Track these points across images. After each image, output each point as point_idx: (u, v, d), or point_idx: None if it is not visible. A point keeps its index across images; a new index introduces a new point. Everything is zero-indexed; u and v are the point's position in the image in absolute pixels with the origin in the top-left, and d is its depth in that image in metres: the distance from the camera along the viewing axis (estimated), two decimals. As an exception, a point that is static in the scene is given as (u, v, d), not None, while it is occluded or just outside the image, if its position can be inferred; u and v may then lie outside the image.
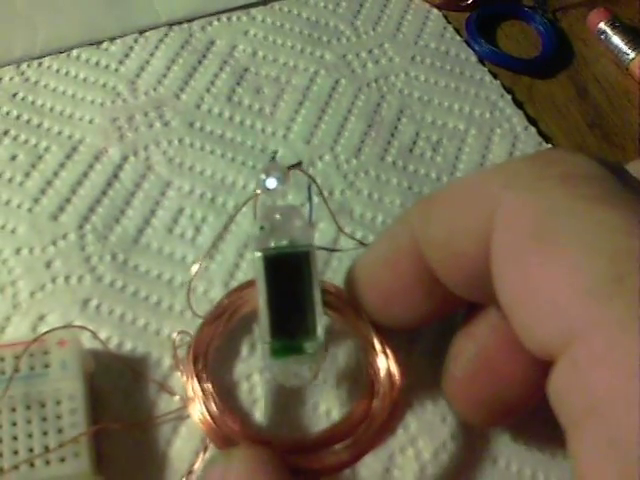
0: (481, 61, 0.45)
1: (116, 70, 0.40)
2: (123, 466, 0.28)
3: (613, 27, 0.47)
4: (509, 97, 0.43)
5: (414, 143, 0.40)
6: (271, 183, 0.29)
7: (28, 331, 0.31)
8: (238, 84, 0.41)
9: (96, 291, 0.32)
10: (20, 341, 0.28)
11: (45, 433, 0.26)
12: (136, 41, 0.42)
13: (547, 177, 0.21)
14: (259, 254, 0.27)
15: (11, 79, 0.39)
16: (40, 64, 0.40)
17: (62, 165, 0.36)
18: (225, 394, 0.30)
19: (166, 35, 0.42)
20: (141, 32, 0.42)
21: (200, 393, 0.27)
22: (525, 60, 0.46)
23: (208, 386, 0.28)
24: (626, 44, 0.46)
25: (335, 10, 0.46)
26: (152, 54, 0.41)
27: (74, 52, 0.41)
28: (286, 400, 0.31)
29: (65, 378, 0.27)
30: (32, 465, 0.26)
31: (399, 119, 0.41)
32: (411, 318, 0.28)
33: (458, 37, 0.46)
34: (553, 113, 0.43)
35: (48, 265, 0.33)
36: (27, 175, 0.35)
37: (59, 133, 0.37)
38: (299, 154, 0.38)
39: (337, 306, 0.30)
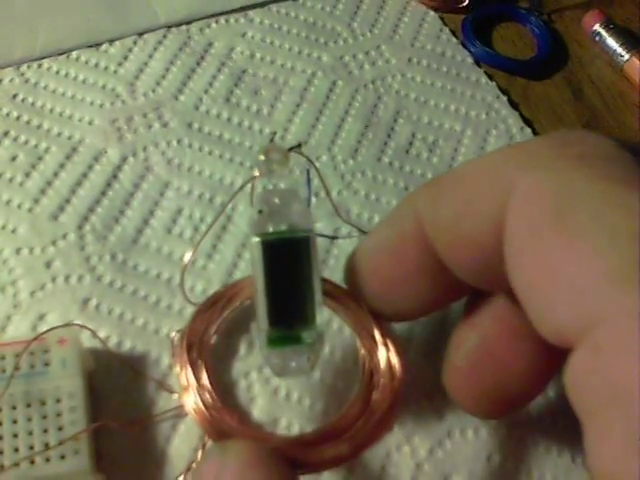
0: (477, 62, 0.45)
1: (115, 72, 0.41)
2: (122, 463, 0.28)
3: (608, 29, 0.47)
4: (505, 98, 0.43)
5: (410, 144, 0.40)
6: (270, 164, 0.28)
7: (28, 330, 0.31)
8: (236, 85, 0.41)
9: (95, 290, 0.33)
10: (20, 340, 0.28)
11: (45, 431, 0.27)
12: (135, 43, 0.42)
13: (565, 158, 0.20)
14: (257, 239, 0.25)
15: (11, 80, 0.39)
16: (40, 66, 0.40)
17: (62, 166, 0.36)
18: (223, 392, 0.30)
19: (165, 37, 0.43)
20: (140, 34, 0.42)
21: (194, 382, 0.26)
22: (521, 61, 0.46)
23: (203, 375, 0.27)
24: (621, 46, 0.46)
25: (332, 12, 0.46)
26: (151, 56, 0.42)
27: (73, 54, 0.41)
28: (285, 393, 0.31)
29: (65, 376, 0.28)
30: (32, 462, 0.26)
31: (396, 120, 0.41)
32: (413, 306, 0.27)
33: (454, 39, 0.46)
34: (548, 114, 0.44)
35: (48, 265, 0.33)
36: (27, 175, 0.36)
37: (59, 134, 0.38)
38: (296, 155, 0.38)
39: (337, 296, 0.29)
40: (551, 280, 0.19)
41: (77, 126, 0.38)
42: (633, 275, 0.17)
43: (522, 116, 0.43)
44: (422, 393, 0.31)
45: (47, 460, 0.26)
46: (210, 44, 0.43)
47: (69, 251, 0.33)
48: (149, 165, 0.37)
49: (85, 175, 0.36)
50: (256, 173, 0.28)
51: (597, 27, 0.48)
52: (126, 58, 0.41)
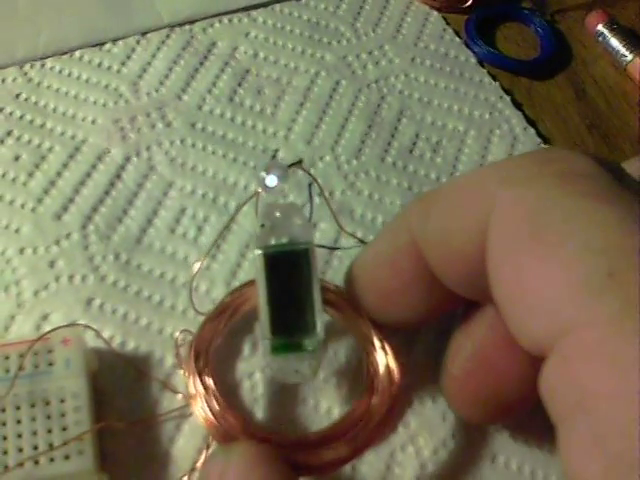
0: (480, 63, 0.45)
1: (118, 71, 0.41)
2: (126, 463, 0.28)
3: (611, 29, 0.47)
4: (508, 98, 0.43)
5: (414, 144, 0.40)
6: (271, 181, 0.29)
7: (32, 330, 0.31)
8: (239, 85, 0.41)
9: (99, 290, 0.32)
10: (24, 340, 0.28)
11: (49, 431, 0.27)
12: (138, 42, 0.42)
13: (543, 174, 0.21)
14: (259, 252, 0.27)
15: (14, 80, 0.39)
16: (43, 65, 0.40)
17: (65, 165, 0.36)
18: (227, 392, 0.30)
19: (168, 37, 0.43)
20: (143, 34, 0.42)
21: (202, 390, 0.28)
22: (524, 62, 0.46)
23: (210, 383, 0.28)
24: (624, 46, 0.46)
25: (335, 12, 0.46)
26: (154, 55, 0.42)
27: (77, 53, 0.41)
28: (287, 397, 0.31)
29: (69, 376, 0.28)
30: (36, 462, 0.26)
31: (399, 120, 0.41)
32: (410, 316, 0.28)
33: (457, 39, 0.46)
34: (552, 114, 0.44)
35: (52, 264, 0.33)
36: (30, 175, 0.36)
37: (62, 134, 0.38)
38: (300, 155, 0.38)
39: (337, 303, 0.30)
40: (526, 292, 0.20)
41: (80, 126, 0.38)
42: (600, 286, 0.18)
43: (525, 116, 0.43)
44: (426, 393, 0.31)
45: (51, 460, 0.26)
46: (213, 44, 0.43)
47: (73, 251, 0.33)
48: (152, 165, 0.37)
49: (88, 175, 0.36)
50: (259, 189, 0.29)
51: (600, 27, 0.48)
52: (129, 58, 0.41)
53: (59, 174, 0.36)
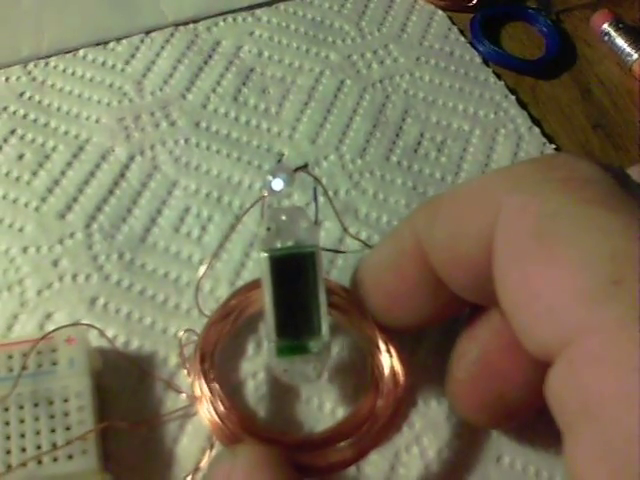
0: (485, 62, 0.45)
1: (122, 70, 0.40)
2: (130, 463, 0.28)
3: (616, 28, 0.47)
4: (513, 98, 0.43)
5: (419, 143, 0.40)
6: (277, 185, 0.29)
7: (35, 329, 0.31)
8: (244, 84, 0.41)
9: (103, 290, 0.32)
10: (28, 339, 0.28)
11: (53, 430, 0.26)
12: (142, 41, 0.42)
13: (549, 181, 0.21)
14: (265, 255, 0.27)
15: (18, 79, 0.39)
16: (47, 64, 0.40)
17: (69, 164, 0.36)
18: (231, 393, 0.30)
19: (172, 35, 0.42)
20: (147, 32, 0.42)
21: (207, 392, 0.28)
22: (529, 61, 0.46)
23: (215, 385, 0.28)
24: (629, 45, 0.46)
25: (340, 11, 0.46)
26: (158, 54, 0.41)
27: (80, 52, 0.41)
28: (291, 398, 0.31)
29: (73, 375, 0.27)
30: (40, 462, 0.26)
31: (404, 119, 0.41)
32: (415, 320, 0.28)
33: (462, 38, 0.46)
34: (557, 114, 0.44)
35: (55, 264, 0.33)
36: (34, 174, 0.36)
37: (66, 133, 0.37)
38: (304, 154, 0.38)
39: (342, 306, 0.30)
40: (532, 298, 0.20)
41: (84, 125, 0.38)
42: (606, 293, 0.18)
43: (530, 116, 0.43)
44: (431, 394, 0.31)
45: (55, 460, 0.26)
46: (218, 43, 0.43)
47: (76, 250, 0.33)
48: (156, 164, 0.37)
49: (92, 174, 0.36)
50: (265, 193, 0.29)
51: (606, 26, 0.47)
52: (133, 56, 0.41)
53: (63, 173, 0.36)
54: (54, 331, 0.28)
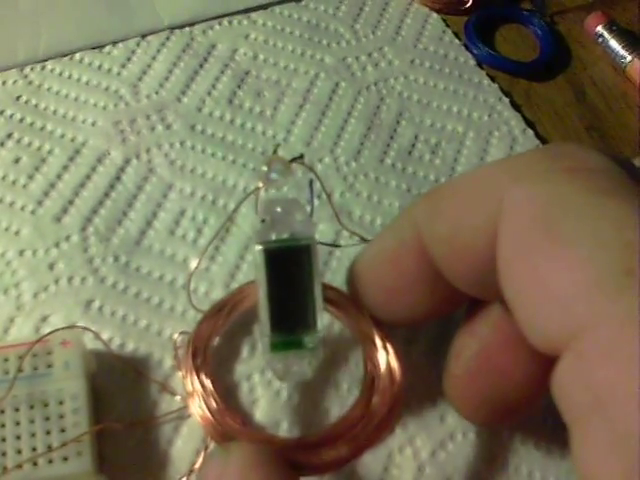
0: (479, 64, 0.45)
1: (118, 74, 0.41)
2: (125, 465, 0.28)
3: (611, 31, 0.47)
4: (507, 100, 0.43)
5: (413, 146, 0.40)
6: (273, 175, 0.28)
7: (31, 332, 0.31)
8: (239, 87, 0.41)
9: (99, 292, 0.33)
10: (23, 342, 0.28)
11: (48, 432, 0.27)
12: (138, 45, 0.42)
13: (555, 170, 0.21)
14: (259, 247, 0.26)
15: (14, 82, 0.40)
16: (43, 67, 0.40)
17: (65, 168, 0.36)
18: (225, 394, 0.30)
19: (168, 39, 0.43)
20: (143, 36, 0.42)
21: (199, 388, 0.27)
22: (523, 63, 0.46)
23: (207, 381, 0.28)
24: (623, 47, 0.46)
25: (335, 14, 0.46)
26: (154, 58, 0.42)
27: (77, 56, 0.41)
28: (286, 398, 0.31)
29: (68, 378, 0.28)
30: (35, 464, 0.26)
31: (398, 122, 0.41)
32: (412, 314, 0.28)
33: (457, 41, 0.46)
34: (551, 116, 0.44)
35: (51, 267, 0.33)
36: (30, 177, 0.36)
37: (62, 136, 0.38)
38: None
39: (338, 301, 0.30)
40: (539, 289, 0.20)
41: (80, 128, 0.38)
42: (616, 284, 0.18)
43: (524, 118, 0.43)
44: (424, 394, 0.31)
45: (50, 462, 0.26)
46: (213, 46, 0.43)
47: (72, 253, 0.34)
48: (152, 167, 0.37)
49: (88, 177, 0.36)
50: (259, 184, 0.29)
51: (600, 29, 0.48)
52: (129, 60, 0.41)
53: (59, 176, 0.36)
54: (49, 334, 0.28)
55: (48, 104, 0.39)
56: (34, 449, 0.26)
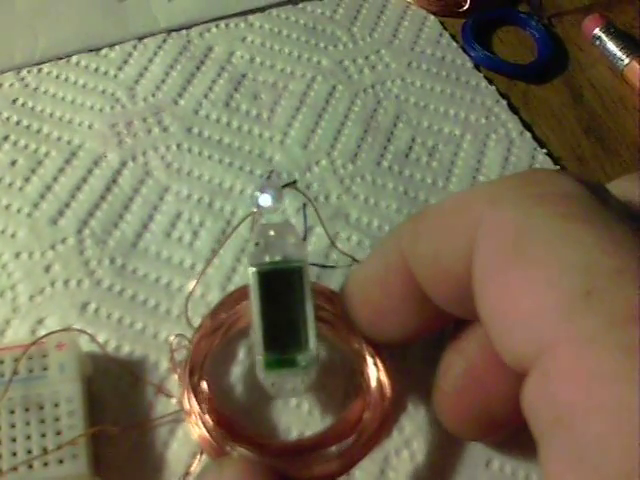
0: (477, 67, 0.45)
1: (115, 76, 0.41)
2: (120, 468, 0.28)
3: (608, 33, 0.47)
4: (504, 102, 0.43)
5: (410, 148, 0.40)
6: (265, 201, 0.29)
7: (27, 334, 0.31)
8: (236, 90, 0.41)
9: (94, 295, 0.33)
10: (19, 344, 0.28)
11: (43, 435, 0.27)
12: (135, 48, 0.42)
13: (528, 196, 0.22)
14: (253, 269, 0.27)
15: (11, 85, 0.40)
16: (40, 70, 0.40)
17: (61, 170, 0.36)
18: (221, 398, 0.30)
19: (164, 42, 0.43)
20: (140, 39, 0.42)
21: (196, 407, 0.28)
22: (520, 66, 0.46)
23: (204, 396, 0.28)
24: (621, 50, 0.46)
25: (332, 17, 0.46)
26: (151, 60, 0.42)
27: (74, 58, 0.41)
28: (280, 405, 0.31)
29: (63, 381, 0.28)
30: (30, 467, 0.26)
31: (395, 124, 0.41)
32: (402, 334, 0.28)
33: (454, 43, 0.46)
34: (548, 118, 0.44)
35: (47, 269, 0.33)
36: (27, 180, 0.36)
37: (58, 138, 0.38)
38: (296, 159, 0.39)
39: (329, 319, 0.30)
40: (507, 309, 0.20)
41: (77, 130, 0.38)
42: (578, 305, 0.18)
43: (522, 120, 0.43)
44: (421, 398, 0.31)
45: (45, 464, 0.26)
46: (210, 49, 0.43)
47: (68, 255, 0.34)
48: (148, 169, 0.37)
49: (85, 180, 0.36)
50: (254, 209, 0.30)
51: (597, 31, 0.48)
52: (126, 63, 0.41)
53: (55, 179, 0.36)
54: (45, 336, 0.28)
55: (45, 107, 0.39)
56: (29, 452, 0.26)
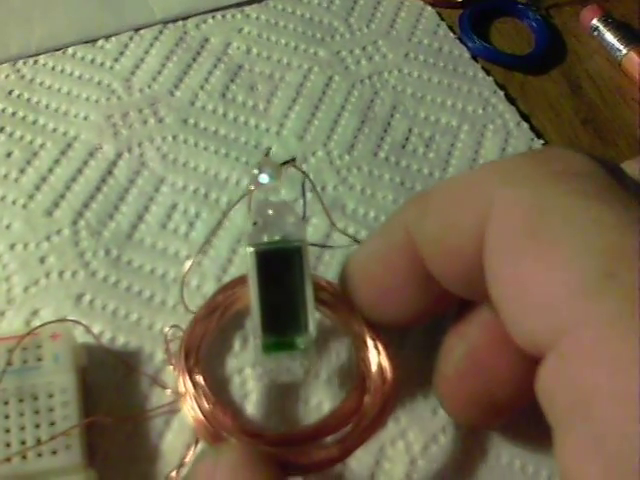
0: (474, 58, 0.45)
1: (111, 68, 0.41)
2: (115, 459, 0.28)
3: (606, 23, 0.47)
4: (502, 93, 0.43)
5: (407, 139, 0.40)
6: (264, 179, 0.29)
7: (22, 325, 0.31)
8: (232, 81, 0.41)
9: (90, 286, 0.32)
10: (13, 335, 0.28)
11: (37, 426, 0.26)
12: (131, 39, 0.42)
13: (542, 174, 0.21)
14: (251, 249, 0.26)
15: (7, 76, 0.39)
16: (36, 62, 0.40)
17: (57, 161, 0.36)
18: (217, 388, 0.30)
19: (161, 33, 0.42)
20: (136, 30, 0.42)
21: (192, 390, 0.27)
22: (518, 56, 0.46)
23: (200, 381, 0.28)
24: (619, 40, 0.46)
25: (329, 7, 0.46)
26: (147, 52, 0.42)
27: (69, 50, 0.41)
28: (278, 394, 0.31)
29: (58, 371, 0.28)
30: (24, 457, 0.26)
31: (392, 115, 0.41)
32: (404, 315, 0.28)
33: (451, 34, 0.46)
34: (546, 109, 0.44)
35: (42, 260, 0.33)
36: (22, 171, 0.36)
37: (54, 130, 0.38)
38: (292, 150, 0.38)
39: (329, 302, 0.30)
40: (524, 292, 0.20)
41: (72, 122, 0.38)
42: (599, 287, 0.18)
43: (519, 111, 0.43)
44: (417, 388, 0.31)
45: (39, 455, 0.26)
46: (206, 40, 0.43)
47: (63, 247, 0.33)
48: (144, 161, 0.37)
49: (80, 171, 0.36)
50: (251, 187, 0.29)
51: (595, 22, 0.47)
52: (122, 54, 0.41)
53: (51, 170, 0.36)
54: (39, 327, 0.28)
55: (40, 98, 0.39)
56: (23, 442, 0.26)
